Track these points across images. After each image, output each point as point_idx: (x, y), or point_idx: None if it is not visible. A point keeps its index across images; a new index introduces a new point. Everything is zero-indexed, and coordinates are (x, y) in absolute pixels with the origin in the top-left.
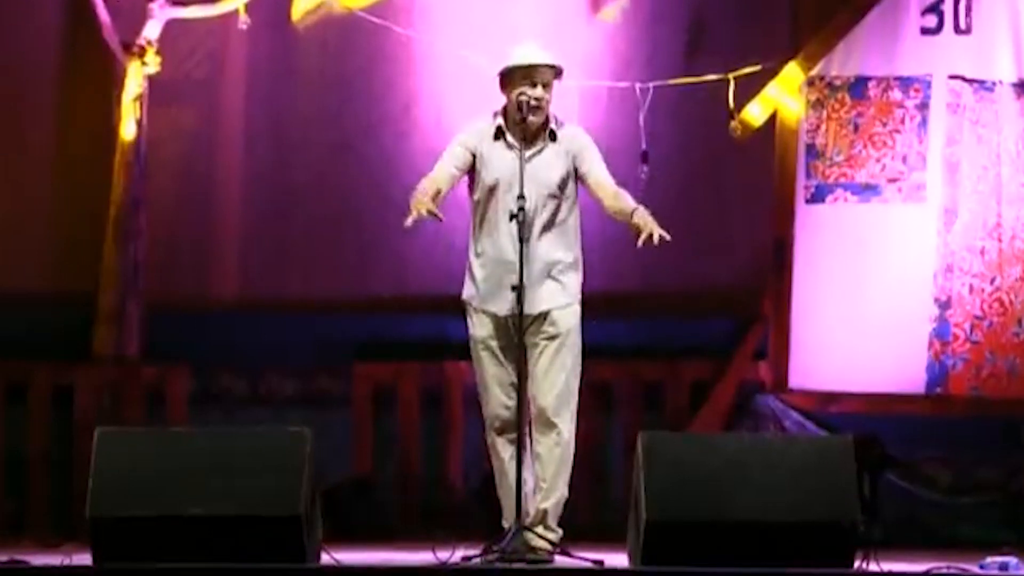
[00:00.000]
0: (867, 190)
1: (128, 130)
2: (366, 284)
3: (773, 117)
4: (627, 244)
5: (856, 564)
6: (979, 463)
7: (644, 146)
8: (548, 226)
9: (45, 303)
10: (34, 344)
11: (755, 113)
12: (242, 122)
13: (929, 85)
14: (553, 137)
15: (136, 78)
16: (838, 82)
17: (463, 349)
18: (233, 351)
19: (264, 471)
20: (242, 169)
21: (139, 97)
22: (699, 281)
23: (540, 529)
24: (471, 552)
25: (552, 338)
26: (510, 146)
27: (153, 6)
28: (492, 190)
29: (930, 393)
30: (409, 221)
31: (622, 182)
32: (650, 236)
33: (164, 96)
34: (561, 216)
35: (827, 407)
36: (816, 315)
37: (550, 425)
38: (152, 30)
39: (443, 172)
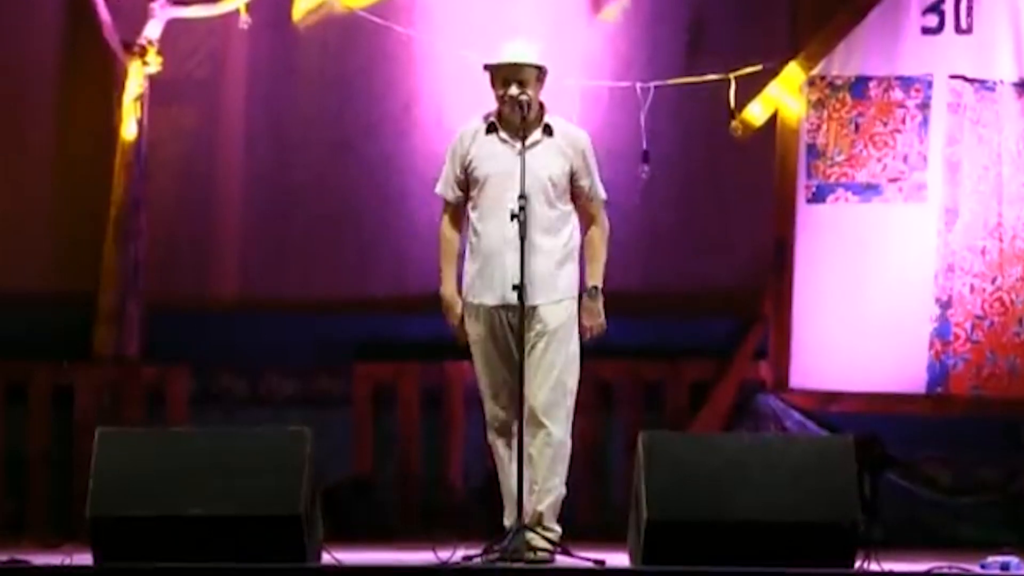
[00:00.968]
0: (868, 190)
1: (129, 130)
2: (366, 284)
3: (774, 117)
4: (627, 244)
5: (857, 564)
6: (980, 463)
7: (645, 146)
8: (541, 220)
9: (45, 303)
10: (34, 344)
11: (756, 113)
12: (243, 122)
13: (930, 85)
14: (549, 131)
15: (137, 78)
16: (839, 82)
17: (463, 349)
18: (233, 351)
19: (264, 471)
20: (242, 169)
21: (140, 97)
22: (700, 281)
23: (538, 530)
24: (472, 552)
25: (541, 335)
26: (503, 140)
27: (154, 6)
28: (484, 184)
29: (931, 393)
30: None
31: (623, 182)
32: (589, 329)
33: (165, 96)
34: (555, 210)
35: (828, 407)
36: (817, 315)
37: (540, 425)
38: (153, 30)
39: (453, 219)
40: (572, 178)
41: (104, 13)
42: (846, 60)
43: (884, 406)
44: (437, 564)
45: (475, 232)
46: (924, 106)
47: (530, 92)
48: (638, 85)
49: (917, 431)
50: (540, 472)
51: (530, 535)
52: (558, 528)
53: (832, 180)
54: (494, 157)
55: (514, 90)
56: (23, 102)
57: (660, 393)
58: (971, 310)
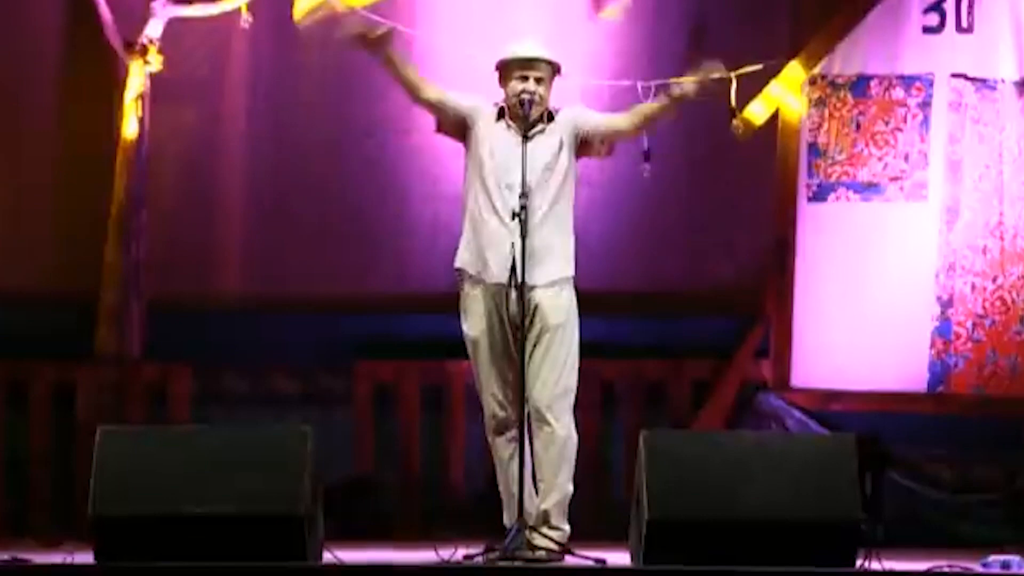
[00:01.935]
0: (869, 189)
1: (130, 129)
2: (367, 283)
3: (775, 116)
4: (628, 243)
5: (858, 563)
6: (981, 462)
7: (646, 145)
8: (541, 206)
9: (46, 302)
10: (35, 343)
11: (757, 112)
12: (244, 121)
13: (931, 84)
14: (551, 118)
15: (138, 77)
16: (840, 81)
17: (465, 347)
18: (235, 350)
19: (265, 470)
20: (243, 168)
21: (141, 96)
22: (701, 279)
23: (545, 529)
24: (472, 551)
25: (544, 332)
26: (509, 127)
27: (155, 5)
28: (485, 166)
29: (932, 392)
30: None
31: (624, 181)
32: (706, 75)
33: (166, 95)
34: (557, 199)
35: (829, 405)
36: (818, 313)
37: (544, 422)
38: (154, 29)
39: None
40: (588, 135)
41: (105, 12)
42: (847, 59)
43: (885, 405)
44: (438, 563)
45: (472, 214)
46: (925, 105)
47: (542, 90)
48: (639, 84)
49: (918, 430)
50: (545, 470)
51: (532, 534)
52: (566, 527)
53: (833, 179)
54: (499, 142)
55: (530, 85)
56: (23, 102)
57: (661, 392)
58: (972, 309)
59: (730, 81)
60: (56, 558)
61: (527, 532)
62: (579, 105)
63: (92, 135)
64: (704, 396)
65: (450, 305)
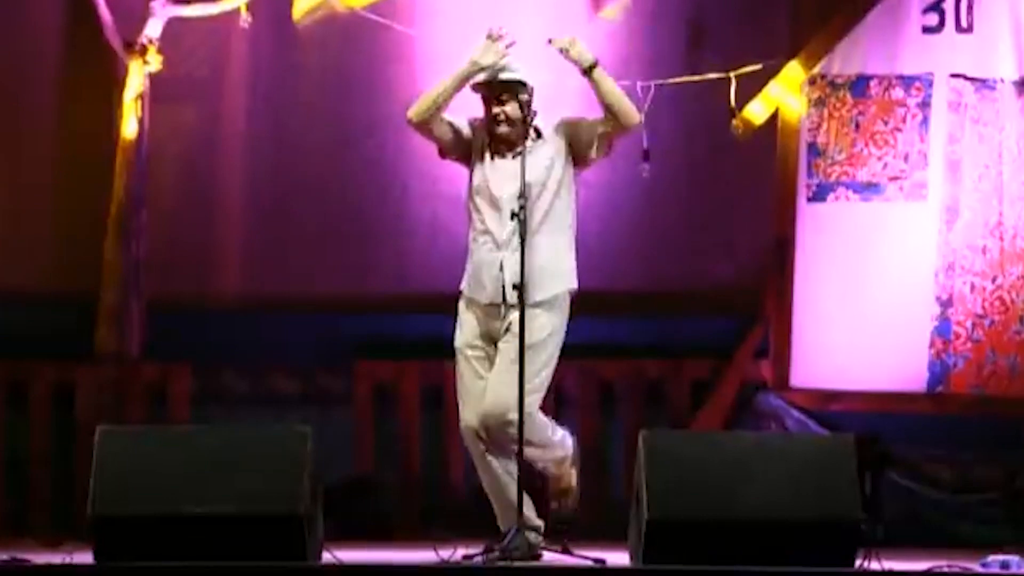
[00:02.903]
0: (868, 188)
1: (129, 129)
2: (367, 282)
3: (775, 116)
4: (628, 243)
5: (858, 563)
6: (980, 462)
7: (646, 144)
8: (530, 226)
9: (46, 302)
10: (35, 343)
11: (757, 111)
12: (243, 121)
13: (931, 83)
14: (538, 134)
15: (137, 76)
16: (840, 80)
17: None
18: (234, 350)
19: (265, 470)
20: (243, 167)
21: (140, 96)
22: (700, 279)
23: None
24: (472, 551)
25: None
26: (496, 149)
27: (155, 4)
28: (476, 189)
29: (931, 392)
30: None
31: (623, 181)
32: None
33: (165, 94)
34: (548, 215)
35: (828, 405)
36: (817, 313)
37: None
38: (154, 28)
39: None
40: (583, 139)
41: (104, 12)
42: (847, 59)
43: (885, 405)
44: (437, 563)
45: (473, 232)
46: (925, 105)
47: (518, 112)
48: (639, 84)
49: (918, 430)
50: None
51: (531, 535)
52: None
53: (833, 179)
54: (486, 166)
55: (509, 108)
56: (23, 102)
57: (661, 392)
58: (972, 309)
59: (730, 81)
60: (56, 558)
61: (526, 532)
62: (562, 116)
63: (92, 135)
64: (704, 396)
65: (450, 305)
